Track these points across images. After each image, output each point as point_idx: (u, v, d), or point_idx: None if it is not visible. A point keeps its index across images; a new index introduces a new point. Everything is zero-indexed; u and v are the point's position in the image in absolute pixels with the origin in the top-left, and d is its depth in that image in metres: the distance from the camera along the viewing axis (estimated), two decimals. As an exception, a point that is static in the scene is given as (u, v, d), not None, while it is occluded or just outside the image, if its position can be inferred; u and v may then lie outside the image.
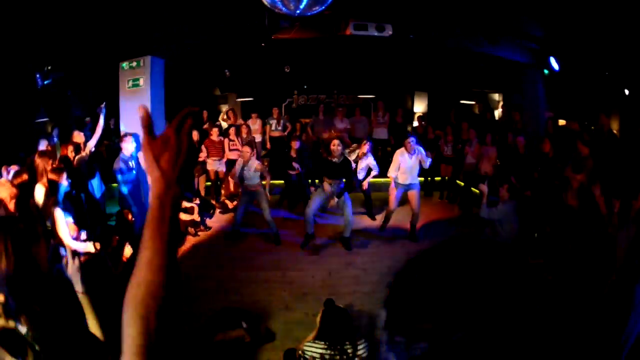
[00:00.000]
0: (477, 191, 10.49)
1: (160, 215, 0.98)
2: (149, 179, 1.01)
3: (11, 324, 1.85)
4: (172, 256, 0.96)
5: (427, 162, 8.74)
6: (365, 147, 9.65)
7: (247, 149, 8.74)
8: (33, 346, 2.00)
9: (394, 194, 8.91)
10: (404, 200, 9.16)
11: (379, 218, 9.74)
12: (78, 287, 2.41)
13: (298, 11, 4.30)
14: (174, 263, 0.96)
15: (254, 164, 8.56)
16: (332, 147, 8.09)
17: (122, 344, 0.92)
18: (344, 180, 8.25)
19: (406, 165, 8.67)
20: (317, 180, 9.77)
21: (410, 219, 9.10)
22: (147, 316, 0.90)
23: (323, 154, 8.37)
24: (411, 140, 8.66)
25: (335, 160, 8.15)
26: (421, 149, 8.82)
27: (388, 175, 9.00)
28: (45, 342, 2.05)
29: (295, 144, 10.55)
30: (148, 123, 1.05)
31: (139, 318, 0.91)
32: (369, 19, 7.93)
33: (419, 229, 9.27)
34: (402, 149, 8.77)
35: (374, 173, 9.55)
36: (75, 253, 2.46)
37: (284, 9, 4.31)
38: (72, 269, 2.40)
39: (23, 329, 2.04)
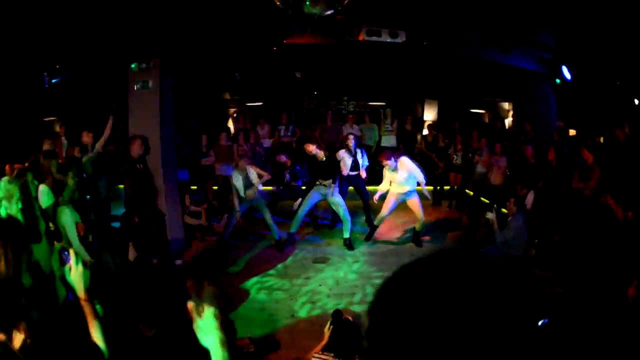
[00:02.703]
0: (487, 201, 10.44)
1: None
2: None
3: (1, 337, 1.72)
4: None
5: (422, 177, 8.59)
6: (351, 142, 9.55)
7: (241, 161, 8.69)
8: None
9: (390, 202, 8.80)
10: (399, 207, 9.15)
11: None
12: (80, 294, 2.29)
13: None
14: None
15: (254, 169, 8.59)
16: (307, 150, 8.53)
17: None
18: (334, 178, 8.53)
19: (397, 180, 8.59)
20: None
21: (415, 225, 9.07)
22: None
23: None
24: (404, 160, 8.57)
25: (322, 159, 8.43)
26: (406, 159, 8.69)
27: (380, 188, 8.88)
28: (43, 353, 1.97)
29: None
30: None
31: None
32: (382, 25, 7.86)
33: (425, 236, 9.29)
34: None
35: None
36: (78, 258, 2.33)
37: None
38: (75, 274, 2.27)
39: (17, 341, 1.96)
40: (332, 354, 3.68)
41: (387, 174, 8.69)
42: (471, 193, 11.39)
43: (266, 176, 8.78)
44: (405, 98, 15.66)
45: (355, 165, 9.46)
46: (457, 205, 11.80)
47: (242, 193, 8.50)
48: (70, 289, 2.52)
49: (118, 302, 5.16)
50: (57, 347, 2.06)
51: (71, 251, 2.32)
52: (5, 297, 1.96)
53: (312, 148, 8.46)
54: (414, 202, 8.70)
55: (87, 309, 2.28)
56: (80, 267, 2.29)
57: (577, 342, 4.39)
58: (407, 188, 8.59)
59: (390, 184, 8.67)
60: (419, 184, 8.64)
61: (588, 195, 7.49)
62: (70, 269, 2.28)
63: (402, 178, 8.49)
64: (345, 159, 9.19)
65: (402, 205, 8.94)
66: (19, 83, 8.59)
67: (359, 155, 9.61)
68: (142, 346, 2.78)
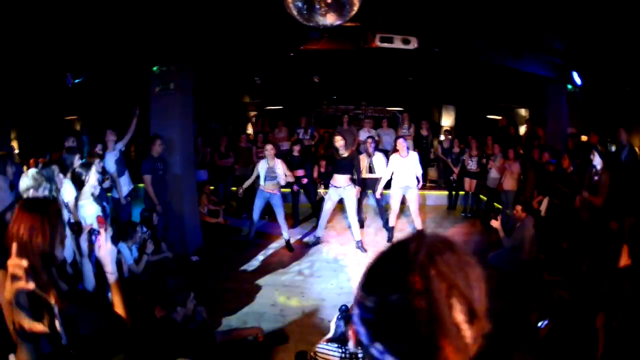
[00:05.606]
0: (500, 206, 10.53)
1: None
2: None
3: (30, 285, 1.93)
4: None
5: (419, 169, 9.14)
6: (370, 146, 9.90)
7: (270, 146, 8.68)
8: (50, 309, 2.15)
9: (397, 197, 9.17)
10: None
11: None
12: (107, 268, 2.58)
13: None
14: None
15: (279, 162, 8.62)
16: (335, 143, 8.57)
17: None
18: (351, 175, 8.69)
19: (401, 167, 8.96)
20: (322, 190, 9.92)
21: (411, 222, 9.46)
22: None
23: (332, 150, 8.89)
24: (401, 141, 9.04)
25: (343, 155, 8.54)
26: (415, 153, 9.24)
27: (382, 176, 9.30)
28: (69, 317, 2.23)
29: (296, 148, 10.46)
30: None
31: None
32: (395, 31, 8.01)
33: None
34: (396, 153, 9.10)
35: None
36: (107, 237, 2.62)
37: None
38: (104, 251, 2.56)
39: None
40: (336, 345, 3.84)
41: (395, 162, 9.05)
42: (485, 198, 11.49)
43: (290, 176, 8.76)
44: (423, 103, 15.77)
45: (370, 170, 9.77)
46: (471, 211, 11.87)
47: (262, 182, 8.56)
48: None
49: (137, 289, 5.44)
50: (82, 313, 2.33)
51: (101, 231, 2.61)
52: (40, 266, 2.23)
53: (340, 141, 8.56)
54: (415, 195, 9.11)
55: (112, 283, 2.55)
56: (108, 244, 2.57)
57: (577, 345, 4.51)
58: (412, 180, 9.01)
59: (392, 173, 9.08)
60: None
61: (594, 201, 7.53)
62: (99, 247, 2.57)
63: (412, 164, 8.98)
64: (363, 161, 9.45)
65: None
66: (42, 83, 8.84)
67: (378, 159, 9.87)
68: (153, 324, 3.05)
